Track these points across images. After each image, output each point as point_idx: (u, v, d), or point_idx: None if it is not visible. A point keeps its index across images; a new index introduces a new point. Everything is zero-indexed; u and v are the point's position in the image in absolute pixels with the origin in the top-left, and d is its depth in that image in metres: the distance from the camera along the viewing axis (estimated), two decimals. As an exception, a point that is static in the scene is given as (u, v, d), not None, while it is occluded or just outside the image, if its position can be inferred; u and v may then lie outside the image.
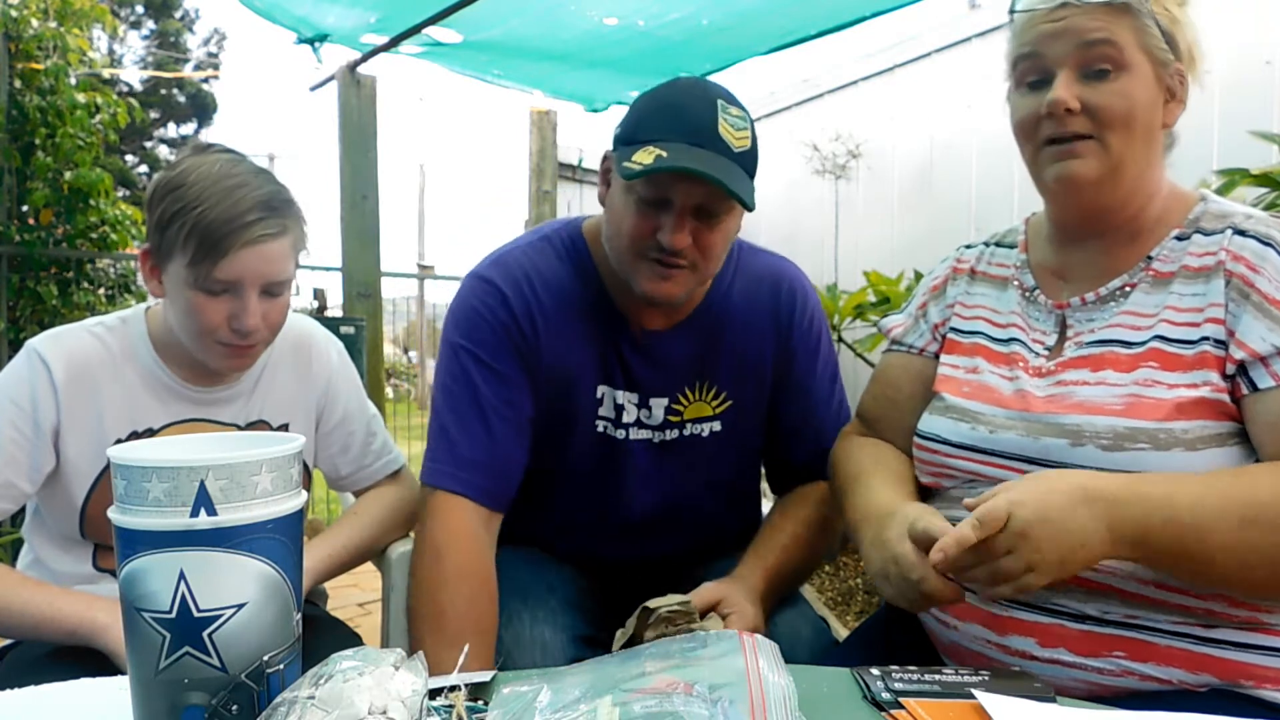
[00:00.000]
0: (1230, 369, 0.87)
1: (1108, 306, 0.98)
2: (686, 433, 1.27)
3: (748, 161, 1.09)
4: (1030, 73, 0.98)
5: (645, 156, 1.04)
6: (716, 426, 1.28)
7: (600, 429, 1.25)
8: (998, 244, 1.15)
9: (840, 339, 3.36)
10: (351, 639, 1.26)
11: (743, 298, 1.27)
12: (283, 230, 1.11)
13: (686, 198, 1.07)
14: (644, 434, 1.26)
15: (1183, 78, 0.97)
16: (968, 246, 1.18)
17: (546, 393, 1.21)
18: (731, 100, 1.10)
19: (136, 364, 1.17)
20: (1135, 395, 0.89)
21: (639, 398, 1.25)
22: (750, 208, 1.08)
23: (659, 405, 1.26)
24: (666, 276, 1.11)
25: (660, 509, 1.29)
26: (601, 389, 1.24)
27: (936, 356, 1.13)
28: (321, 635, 1.22)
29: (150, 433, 1.17)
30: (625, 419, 1.25)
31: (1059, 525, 0.77)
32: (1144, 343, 0.92)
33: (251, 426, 1.24)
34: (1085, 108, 0.93)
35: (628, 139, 1.11)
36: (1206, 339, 0.89)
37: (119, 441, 1.14)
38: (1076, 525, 0.78)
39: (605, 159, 1.19)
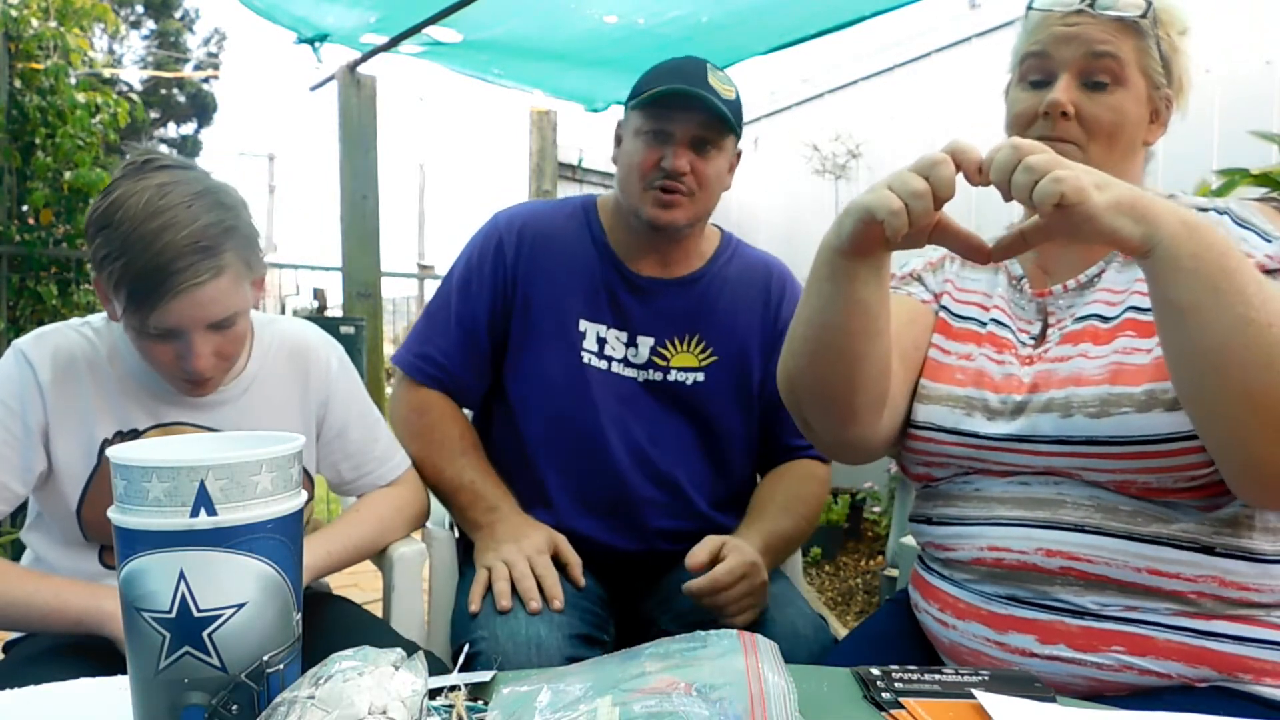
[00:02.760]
0: None
1: (1085, 294, 1.00)
2: (671, 378, 1.38)
3: (734, 108, 1.31)
4: (1034, 71, 1.00)
5: (651, 93, 1.27)
6: (700, 377, 1.38)
7: (585, 360, 1.36)
8: None
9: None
10: (377, 623, 1.26)
11: (737, 274, 1.44)
12: (217, 271, 1.02)
13: (685, 128, 1.28)
14: (629, 371, 1.37)
15: (1169, 103, 1.01)
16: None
17: (524, 318, 1.37)
18: (716, 68, 1.32)
19: (122, 365, 1.15)
20: (1117, 363, 0.91)
21: (627, 335, 1.38)
22: (739, 134, 1.33)
23: (645, 344, 1.38)
24: (670, 203, 1.30)
25: (642, 450, 1.36)
26: (584, 324, 1.37)
27: (933, 306, 1.12)
28: (341, 616, 1.23)
29: (135, 434, 1.14)
30: (610, 353, 1.36)
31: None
32: (1118, 316, 0.95)
33: None
34: (1079, 115, 0.96)
35: (635, 94, 1.33)
36: None
37: (106, 442, 1.12)
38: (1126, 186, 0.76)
39: (618, 127, 1.40)
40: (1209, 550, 0.87)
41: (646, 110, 1.29)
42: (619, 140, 1.39)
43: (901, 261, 1.14)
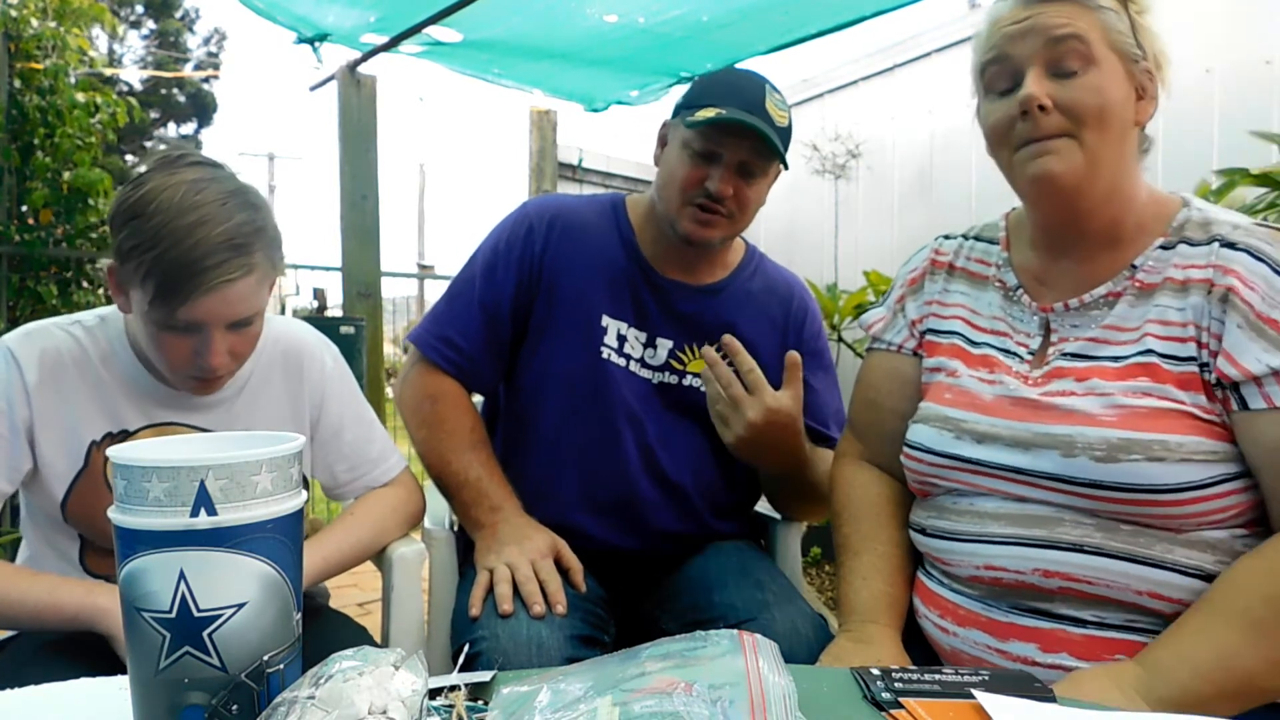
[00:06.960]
0: (1214, 379, 0.87)
1: (1091, 314, 0.97)
2: (686, 383, 1.38)
3: (785, 135, 1.31)
4: (999, 78, 0.96)
5: (707, 112, 1.25)
6: None
7: (604, 355, 1.36)
8: (976, 238, 1.13)
9: (840, 339, 3.36)
10: (359, 632, 1.26)
11: (760, 290, 1.45)
12: (248, 270, 1.04)
13: (734, 153, 1.27)
14: (645, 372, 1.37)
15: (1151, 77, 0.95)
16: (947, 238, 1.16)
17: (547, 307, 1.37)
18: (775, 89, 1.31)
19: (114, 365, 1.14)
20: (1127, 406, 0.88)
21: (646, 336, 1.38)
22: (786, 166, 1.32)
23: (664, 346, 1.38)
24: (707, 222, 1.30)
25: (653, 451, 1.35)
26: (607, 319, 1.37)
27: (915, 354, 1.13)
28: (329, 628, 1.22)
29: (125, 435, 1.14)
30: (629, 351, 1.36)
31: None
32: (1130, 356, 0.91)
33: None
34: (1058, 105, 0.91)
35: (689, 104, 1.31)
36: (1193, 359, 0.89)
37: (94, 443, 1.13)
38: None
39: (664, 125, 1.40)
40: (1213, 579, 0.85)
41: (698, 129, 1.27)
42: (663, 141, 1.38)
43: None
